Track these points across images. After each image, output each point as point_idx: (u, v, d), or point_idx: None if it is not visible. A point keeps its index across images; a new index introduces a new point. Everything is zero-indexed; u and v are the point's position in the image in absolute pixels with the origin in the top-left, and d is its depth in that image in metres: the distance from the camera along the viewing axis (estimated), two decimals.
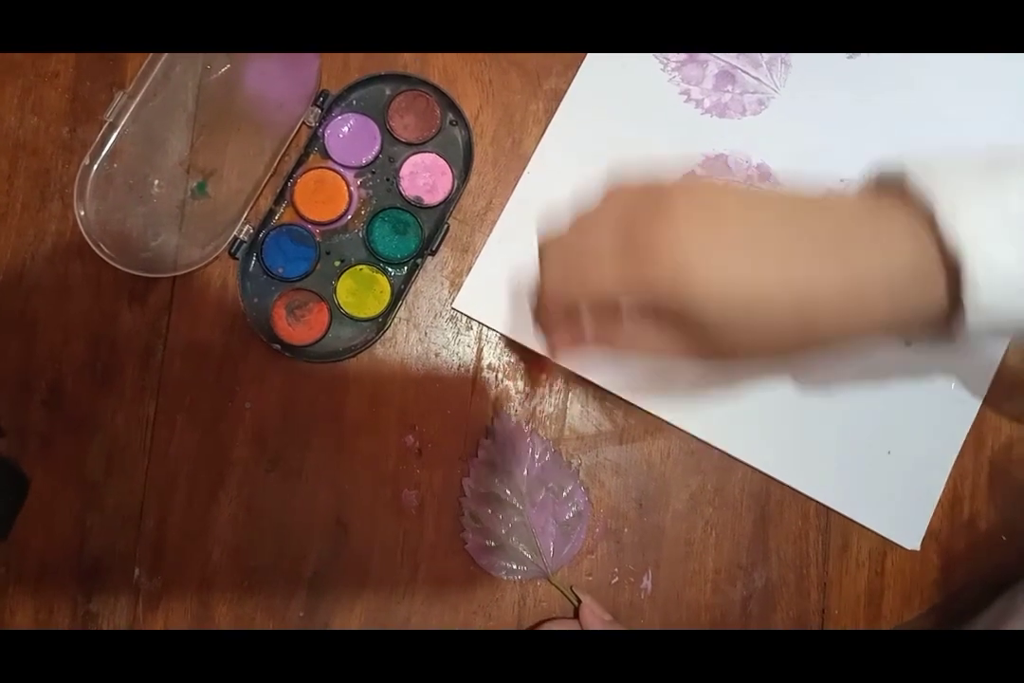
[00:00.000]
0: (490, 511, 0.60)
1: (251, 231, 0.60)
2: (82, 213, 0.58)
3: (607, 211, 0.41)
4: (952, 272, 0.35)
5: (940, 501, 0.61)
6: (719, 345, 0.39)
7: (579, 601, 0.58)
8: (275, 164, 0.60)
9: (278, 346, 0.59)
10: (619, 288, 0.39)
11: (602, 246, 0.39)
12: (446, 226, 0.61)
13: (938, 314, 0.38)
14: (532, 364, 0.61)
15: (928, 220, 0.36)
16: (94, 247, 0.58)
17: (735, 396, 0.61)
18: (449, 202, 0.62)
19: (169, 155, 0.60)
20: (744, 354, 0.40)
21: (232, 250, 0.60)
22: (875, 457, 0.61)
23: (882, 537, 0.61)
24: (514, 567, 0.59)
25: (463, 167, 0.62)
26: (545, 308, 0.45)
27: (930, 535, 0.61)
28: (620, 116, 0.63)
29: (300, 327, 0.60)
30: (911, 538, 0.61)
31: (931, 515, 0.61)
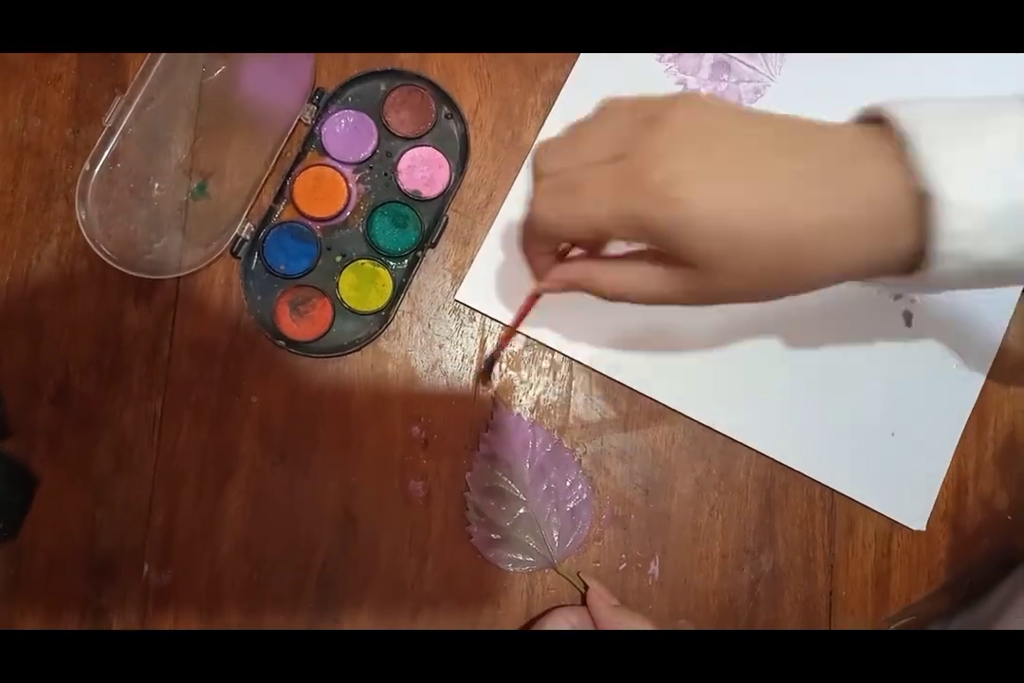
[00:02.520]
0: (493, 504, 0.61)
1: (252, 230, 0.62)
2: (84, 217, 0.60)
3: (602, 123, 0.42)
4: (925, 210, 0.37)
5: (945, 481, 0.63)
6: (704, 279, 0.40)
7: (587, 588, 0.60)
8: (274, 162, 0.62)
9: (283, 342, 0.61)
10: (608, 208, 0.39)
11: (593, 163, 0.40)
12: (445, 218, 0.63)
13: (913, 255, 0.38)
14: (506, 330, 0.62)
15: (910, 162, 0.37)
16: (97, 251, 0.60)
17: (737, 381, 0.63)
18: (447, 194, 0.64)
19: (169, 157, 0.63)
20: (728, 290, 0.40)
21: (234, 249, 0.62)
22: (879, 439, 0.63)
23: (888, 518, 0.62)
24: (520, 558, 0.61)
25: (460, 160, 0.64)
26: (534, 234, 0.45)
27: (936, 515, 0.63)
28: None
29: (304, 323, 0.63)
30: (917, 519, 0.63)
31: (936, 495, 0.63)
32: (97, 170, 0.61)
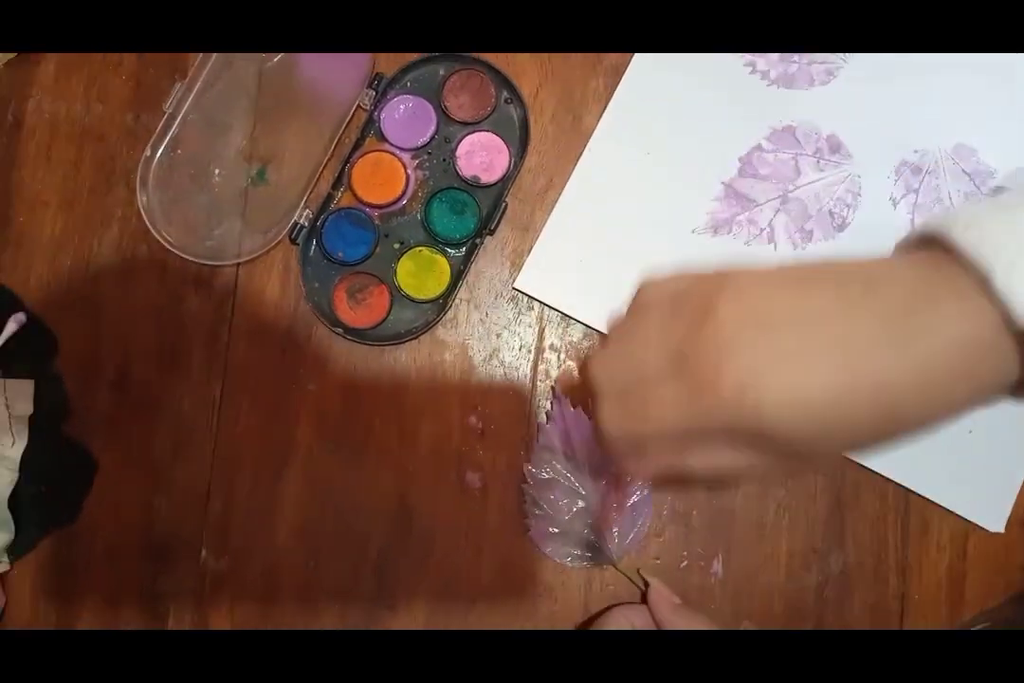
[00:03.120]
0: (552, 497, 0.61)
1: (311, 216, 0.62)
2: (145, 202, 0.62)
3: (646, 323, 0.40)
4: (1020, 342, 0.34)
5: None
6: (799, 455, 0.37)
7: (646, 585, 0.59)
8: (332, 148, 0.63)
9: (340, 330, 0.62)
10: (683, 421, 0.37)
11: (652, 372, 0.38)
12: (504, 205, 0.63)
13: (1018, 383, 0.36)
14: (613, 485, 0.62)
15: (984, 283, 0.34)
16: (157, 236, 0.61)
17: None
18: (507, 180, 0.64)
19: (229, 143, 0.64)
20: (827, 457, 0.40)
21: (293, 236, 0.62)
22: (956, 437, 0.61)
23: (964, 519, 0.61)
24: (579, 553, 0.61)
25: (520, 145, 0.64)
26: (611, 446, 0.43)
27: (1015, 517, 0.61)
28: (683, 91, 0.64)
29: (361, 310, 0.63)
30: (995, 520, 0.61)
31: (1016, 496, 0.61)
32: (158, 156, 0.62)
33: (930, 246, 0.37)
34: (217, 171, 0.64)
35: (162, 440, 0.62)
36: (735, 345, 0.35)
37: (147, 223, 0.61)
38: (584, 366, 0.43)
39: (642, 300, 0.41)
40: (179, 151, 0.63)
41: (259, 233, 0.63)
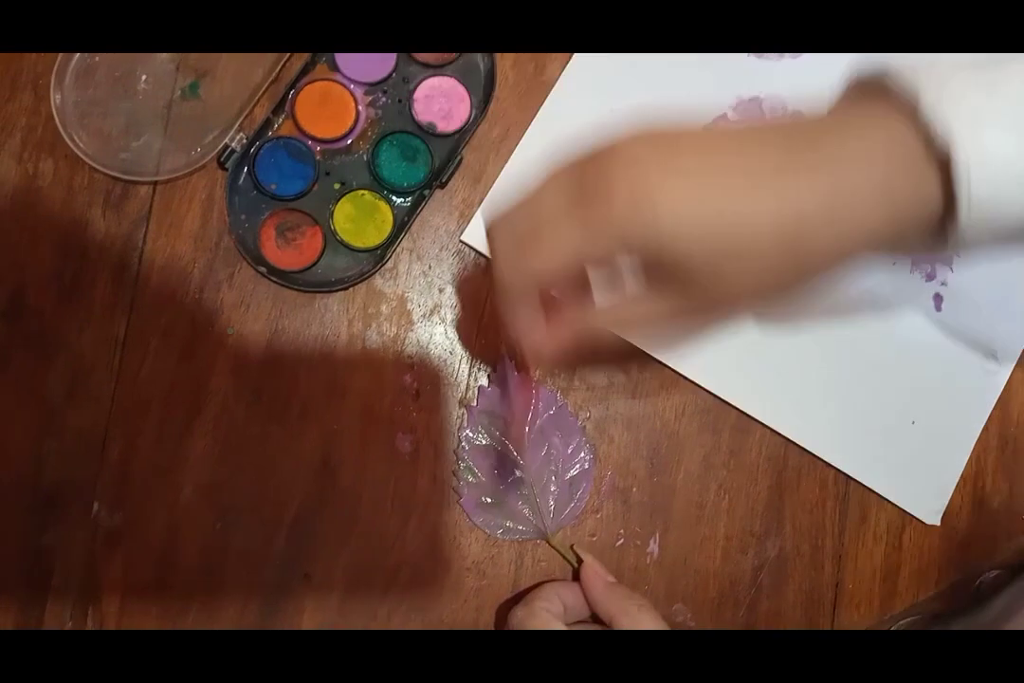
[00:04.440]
0: (487, 464, 0.61)
1: (244, 141, 0.60)
2: (59, 102, 0.58)
3: (552, 179, 0.41)
4: (944, 167, 0.35)
5: (963, 475, 0.64)
6: (707, 291, 0.38)
7: (580, 562, 0.60)
8: (277, 71, 0.61)
9: (264, 269, 0.60)
10: (579, 246, 0.38)
11: (552, 209, 0.39)
12: (459, 157, 0.62)
13: (933, 218, 0.37)
14: (517, 390, 0.61)
15: (913, 113, 0.35)
16: (68, 141, 0.58)
17: (757, 354, 0.64)
18: (465, 132, 0.63)
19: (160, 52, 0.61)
20: (735, 298, 0.39)
21: (221, 159, 0.60)
22: (899, 426, 0.64)
23: (901, 510, 0.64)
24: (511, 526, 0.61)
25: (483, 96, 0.63)
26: (508, 299, 0.42)
27: (951, 511, 0.64)
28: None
29: (290, 251, 0.61)
30: (931, 513, 0.64)
31: (953, 490, 0.64)
32: (79, 53, 0.59)
33: (865, 92, 0.39)
34: (144, 77, 0.60)
35: (56, 378, 0.59)
36: (630, 161, 0.37)
37: (58, 124, 0.58)
38: (487, 236, 0.43)
39: (549, 171, 0.42)
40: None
41: (183, 152, 0.60)
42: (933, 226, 0.37)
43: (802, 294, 0.40)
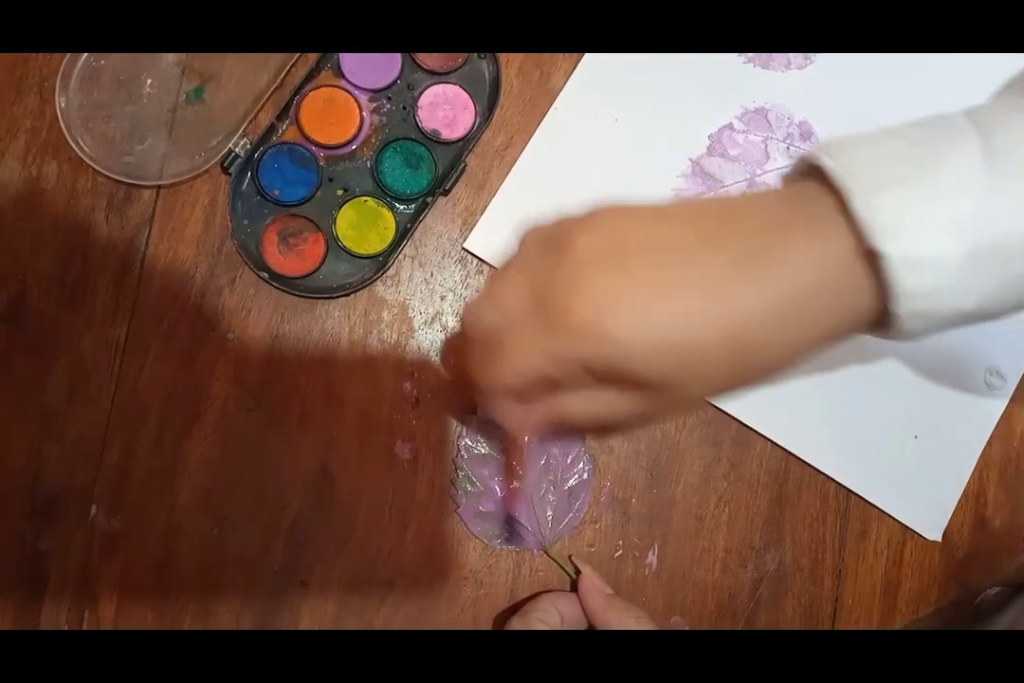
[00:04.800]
0: (486, 474, 0.62)
1: (248, 146, 0.61)
2: (63, 105, 0.59)
3: (518, 266, 0.42)
4: (878, 267, 0.35)
5: (965, 492, 0.65)
6: (663, 394, 0.39)
7: (578, 573, 0.61)
8: (282, 76, 0.62)
9: (265, 275, 0.61)
10: (540, 359, 0.39)
11: (516, 313, 0.40)
12: (463, 165, 0.63)
13: (874, 314, 0.38)
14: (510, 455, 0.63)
15: (846, 212, 0.36)
16: (73, 144, 0.59)
17: None
18: (468, 140, 0.64)
19: (166, 53, 0.62)
20: (691, 400, 0.41)
21: (225, 164, 0.61)
22: (901, 441, 0.65)
23: (902, 525, 0.65)
24: (508, 536, 0.62)
25: (487, 104, 0.64)
26: (484, 394, 0.44)
27: (952, 527, 0.65)
28: (658, 57, 0.66)
29: (292, 257, 0.62)
30: (933, 528, 0.65)
31: (955, 506, 0.65)
32: (86, 55, 0.60)
33: (805, 177, 0.39)
34: (150, 81, 0.62)
35: (57, 382, 0.60)
36: (587, 277, 0.38)
37: (63, 127, 0.59)
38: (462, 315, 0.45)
39: (520, 245, 0.42)
40: (108, 56, 0.61)
41: (186, 156, 0.62)
42: (876, 321, 0.38)
43: (759, 385, 0.41)
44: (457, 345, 0.56)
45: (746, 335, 0.37)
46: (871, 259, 0.35)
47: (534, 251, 0.41)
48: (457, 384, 0.59)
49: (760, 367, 0.39)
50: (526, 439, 0.54)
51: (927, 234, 0.34)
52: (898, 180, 0.35)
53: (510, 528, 0.62)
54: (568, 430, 0.45)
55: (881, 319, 0.38)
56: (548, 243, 0.40)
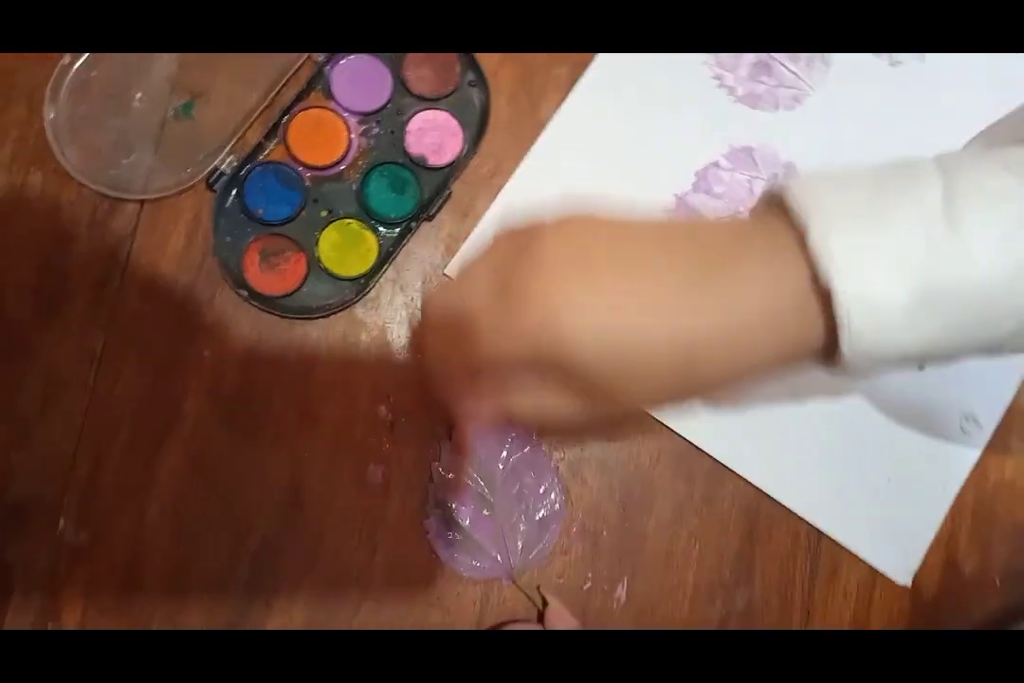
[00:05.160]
0: (457, 501, 0.63)
1: (235, 164, 0.63)
2: (51, 116, 0.61)
3: (487, 260, 0.44)
4: (827, 301, 0.37)
5: (937, 536, 0.66)
6: (606, 398, 0.41)
7: (545, 603, 0.62)
8: (271, 96, 0.63)
9: (245, 293, 0.62)
10: (493, 349, 0.41)
11: (477, 302, 0.42)
12: (448, 192, 0.64)
13: (819, 348, 0.40)
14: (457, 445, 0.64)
15: (803, 244, 0.37)
16: (59, 155, 0.60)
17: (737, 403, 0.66)
18: (455, 167, 0.65)
19: (158, 66, 0.63)
20: (632, 404, 0.42)
21: (211, 181, 0.62)
22: (874, 483, 0.66)
23: (872, 568, 0.66)
24: (476, 564, 0.63)
25: (476, 132, 0.66)
26: (434, 377, 0.46)
27: (923, 571, 0.66)
28: (647, 92, 0.68)
29: (272, 276, 0.63)
30: (902, 572, 0.66)
31: (926, 550, 0.66)
32: (77, 66, 0.62)
33: (771, 209, 0.41)
34: (139, 95, 0.63)
35: (29, 390, 0.61)
36: (548, 279, 0.39)
37: (49, 138, 0.60)
38: (422, 305, 0.47)
39: (492, 241, 0.45)
40: (101, 65, 0.62)
41: (172, 171, 0.63)
42: (821, 355, 0.40)
43: (707, 400, 0.43)
44: (420, 339, 0.57)
45: (691, 351, 0.39)
46: (822, 295, 0.37)
47: (504, 248, 0.43)
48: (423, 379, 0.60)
49: (702, 383, 0.41)
50: (473, 429, 0.55)
51: (874, 275, 0.36)
52: (855, 223, 0.37)
53: (479, 556, 0.63)
54: (513, 425, 0.47)
55: (828, 353, 0.40)
56: (518, 241, 0.42)
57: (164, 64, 0.63)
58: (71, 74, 0.61)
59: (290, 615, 0.61)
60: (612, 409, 0.42)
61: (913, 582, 0.66)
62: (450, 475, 0.63)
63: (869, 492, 0.66)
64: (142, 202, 0.63)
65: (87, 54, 0.61)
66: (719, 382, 0.41)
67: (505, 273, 0.41)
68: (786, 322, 0.39)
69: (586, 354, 0.38)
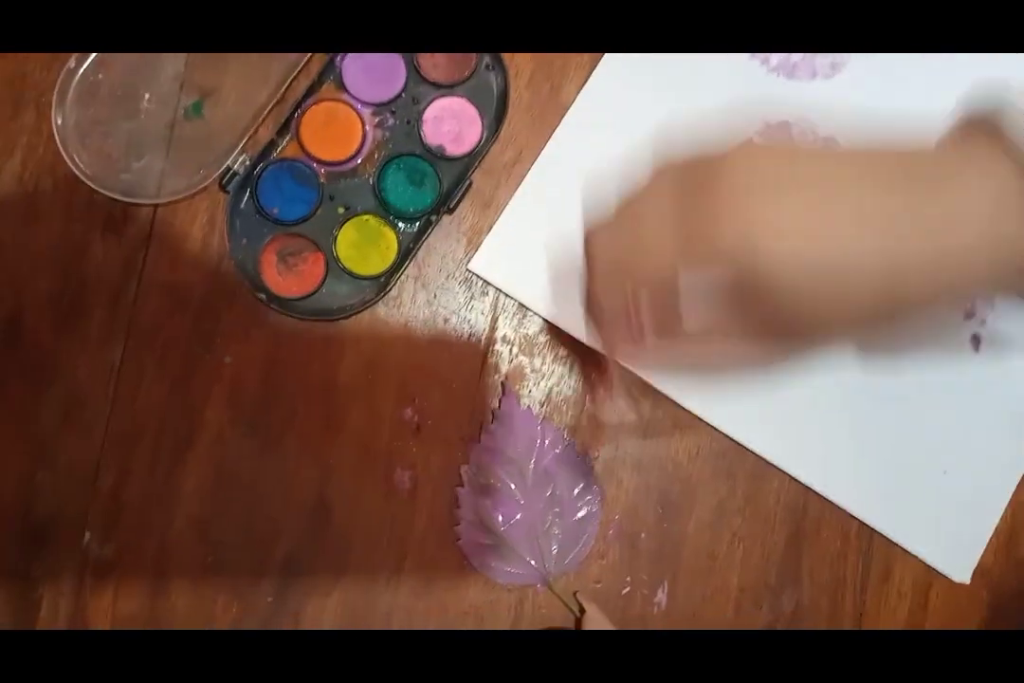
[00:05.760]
0: (489, 504, 0.63)
1: (247, 163, 0.63)
2: (60, 122, 0.61)
3: (657, 189, 0.43)
4: None
5: (996, 530, 0.65)
6: (793, 320, 0.41)
7: (582, 611, 0.62)
8: (282, 91, 0.63)
9: (263, 296, 0.62)
10: (679, 265, 0.41)
11: (656, 224, 0.42)
12: (468, 182, 0.64)
13: None
14: (589, 365, 0.65)
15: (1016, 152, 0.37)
16: (69, 162, 0.61)
17: (777, 396, 0.65)
18: (475, 155, 0.65)
19: (166, 67, 0.64)
20: (821, 328, 0.42)
21: (223, 181, 0.63)
22: (929, 477, 0.65)
23: (928, 566, 0.65)
24: (510, 570, 0.63)
25: (495, 118, 0.65)
26: (597, 302, 0.47)
27: (981, 568, 0.65)
28: (674, 66, 0.66)
29: (291, 277, 0.64)
30: (961, 570, 0.65)
31: (984, 546, 0.65)
32: (83, 69, 0.62)
33: (978, 134, 0.40)
34: (148, 96, 0.64)
35: (50, 406, 0.62)
36: (741, 191, 0.39)
37: (59, 145, 0.61)
38: (585, 240, 0.47)
39: (655, 174, 0.44)
40: (108, 67, 0.62)
41: (184, 174, 0.63)
42: None
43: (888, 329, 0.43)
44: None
45: (900, 275, 0.39)
46: None
47: (680, 174, 0.43)
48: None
49: (903, 306, 0.41)
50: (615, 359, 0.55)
51: None
52: None
53: (513, 561, 0.63)
54: (660, 356, 0.47)
55: None
56: (699, 168, 0.42)
57: (172, 63, 0.64)
58: (77, 77, 0.62)
59: (319, 625, 0.62)
60: (792, 332, 0.42)
61: (972, 579, 0.65)
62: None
63: (923, 486, 0.65)
64: (155, 206, 0.64)
65: (92, 56, 0.62)
66: (921, 305, 0.41)
67: (684, 195, 0.41)
68: (1005, 243, 0.38)
69: (786, 276, 0.38)
